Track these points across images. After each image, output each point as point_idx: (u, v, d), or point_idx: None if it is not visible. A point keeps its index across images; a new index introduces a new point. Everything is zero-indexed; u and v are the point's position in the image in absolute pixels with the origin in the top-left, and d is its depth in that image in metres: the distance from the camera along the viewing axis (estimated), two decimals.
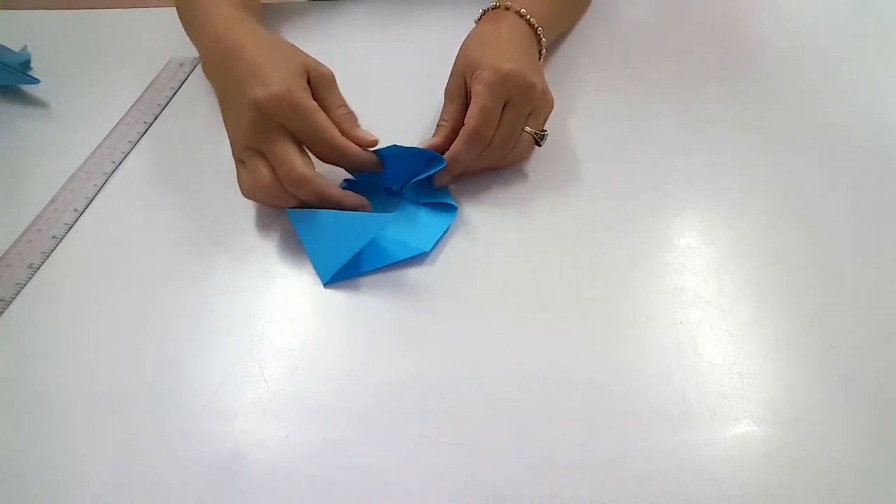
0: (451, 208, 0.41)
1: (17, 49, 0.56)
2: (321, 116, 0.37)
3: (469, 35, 0.45)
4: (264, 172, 0.37)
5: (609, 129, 0.47)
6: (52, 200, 0.43)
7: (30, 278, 0.38)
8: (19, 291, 0.38)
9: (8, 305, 0.37)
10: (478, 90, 0.39)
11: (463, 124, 0.40)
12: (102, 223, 0.42)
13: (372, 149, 0.39)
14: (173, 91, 0.54)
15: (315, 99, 0.38)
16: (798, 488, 0.27)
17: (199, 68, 0.57)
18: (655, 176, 0.43)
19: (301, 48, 0.41)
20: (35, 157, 0.48)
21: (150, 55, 0.58)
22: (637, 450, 0.29)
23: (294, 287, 0.37)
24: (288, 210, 0.39)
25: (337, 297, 0.37)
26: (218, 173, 0.44)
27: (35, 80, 0.54)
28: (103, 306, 0.37)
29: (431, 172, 0.40)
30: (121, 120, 0.50)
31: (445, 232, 0.39)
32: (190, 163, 0.47)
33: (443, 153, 0.40)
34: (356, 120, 0.40)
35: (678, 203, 0.41)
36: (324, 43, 0.41)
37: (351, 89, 0.41)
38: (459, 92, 0.42)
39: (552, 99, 0.43)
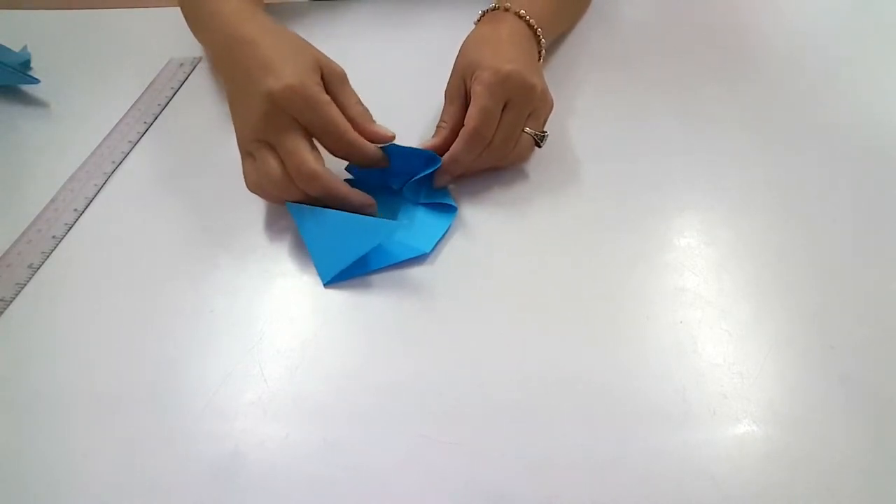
0: (450, 209, 0.41)
1: (17, 49, 0.56)
2: (334, 110, 0.37)
3: (469, 36, 0.45)
4: (273, 165, 0.37)
5: (609, 129, 0.47)
6: (52, 200, 0.43)
7: (30, 278, 0.38)
8: (19, 291, 0.38)
9: (8, 305, 0.37)
10: (478, 91, 0.39)
11: (463, 125, 0.40)
12: (102, 223, 0.42)
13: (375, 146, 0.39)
14: (173, 91, 0.54)
15: (327, 94, 0.38)
16: (798, 488, 0.27)
17: (199, 68, 0.57)
18: (655, 176, 0.43)
19: None
20: (35, 157, 0.48)
21: (150, 55, 0.58)
22: (637, 450, 0.29)
23: (294, 287, 0.37)
24: (289, 204, 0.38)
25: (337, 297, 0.37)
26: (218, 173, 0.44)
27: (35, 80, 0.54)
28: (103, 306, 0.37)
29: (429, 172, 0.40)
30: (121, 120, 0.51)
31: (446, 233, 0.39)
32: (190, 163, 0.47)
33: (443, 154, 0.40)
34: (371, 116, 0.40)
35: (678, 203, 0.41)
36: (324, 43, 0.41)
37: None
38: (459, 93, 0.42)
39: (552, 100, 0.43)
